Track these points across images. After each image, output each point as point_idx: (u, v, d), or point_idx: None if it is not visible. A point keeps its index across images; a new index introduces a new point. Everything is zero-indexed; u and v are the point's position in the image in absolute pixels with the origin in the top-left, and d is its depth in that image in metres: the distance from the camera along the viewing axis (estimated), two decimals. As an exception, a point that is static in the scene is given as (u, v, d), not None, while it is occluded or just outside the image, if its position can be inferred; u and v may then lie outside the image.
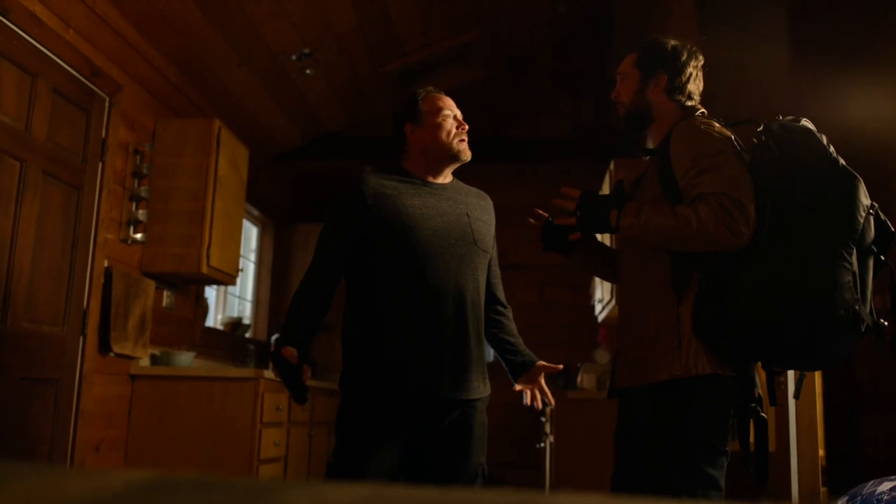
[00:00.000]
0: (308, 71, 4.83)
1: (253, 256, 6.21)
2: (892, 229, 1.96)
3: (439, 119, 2.35)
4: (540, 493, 0.43)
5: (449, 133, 2.35)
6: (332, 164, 6.23)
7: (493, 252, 2.48)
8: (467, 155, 2.38)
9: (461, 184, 2.47)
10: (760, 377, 2.15)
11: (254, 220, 6.14)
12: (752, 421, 2.00)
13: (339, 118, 5.97)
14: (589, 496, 0.43)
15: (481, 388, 2.32)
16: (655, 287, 2.05)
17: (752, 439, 2.03)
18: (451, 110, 2.38)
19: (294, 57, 4.76)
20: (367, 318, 2.28)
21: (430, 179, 2.38)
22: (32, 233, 3.26)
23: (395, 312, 2.25)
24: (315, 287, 2.30)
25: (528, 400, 2.42)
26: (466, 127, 2.39)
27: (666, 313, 2.01)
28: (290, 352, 2.16)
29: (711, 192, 1.88)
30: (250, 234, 6.19)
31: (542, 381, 2.44)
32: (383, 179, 2.33)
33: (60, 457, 3.47)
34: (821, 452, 5.66)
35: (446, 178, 2.42)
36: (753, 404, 1.97)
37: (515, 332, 2.53)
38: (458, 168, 2.44)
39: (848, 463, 5.04)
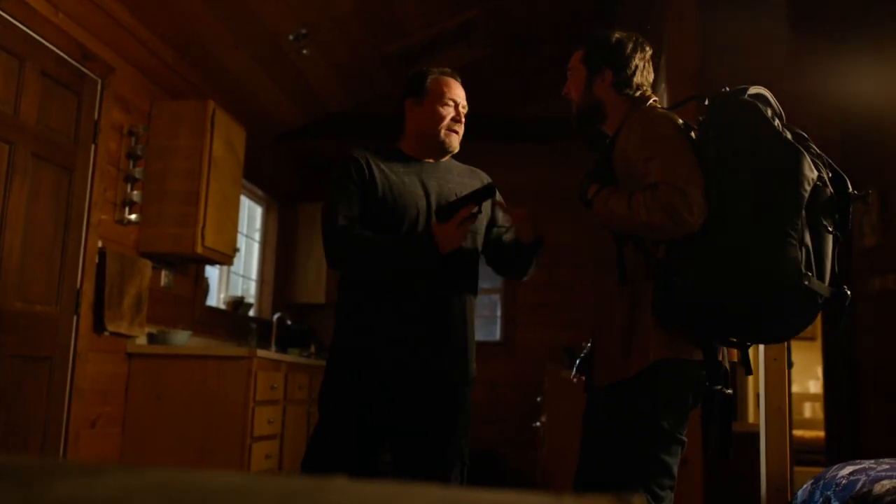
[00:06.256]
0: (305, 51, 4.84)
1: (258, 236, 6.26)
2: (849, 194, 1.91)
3: (440, 104, 2.32)
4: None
5: (442, 121, 2.32)
6: (335, 143, 6.25)
7: (501, 218, 2.46)
8: (453, 148, 2.38)
9: (454, 163, 2.45)
10: (731, 352, 2.15)
11: (258, 200, 6.19)
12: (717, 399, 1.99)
13: (340, 98, 5.98)
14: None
15: (459, 367, 2.30)
16: (614, 281, 2.05)
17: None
18: (454, 99, 2.35)
19: (291, 37, 4.77)
20: (350, 287, 2.33)
21: (422, 159, 2.38)
22: (22, 214, 3.32)
23: (371, 283, 2.28)
24: (351, 231, 2.24)
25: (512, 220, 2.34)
26: (462, 121, 2.37)
27: (625, 305, 2.02)
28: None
29: (657, 181, 1.87)
30: (255, 213, 6.25)
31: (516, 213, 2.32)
32: (377, 156, 2.33)
33: (55, 431, 3.56)
34: (821, 434, 5.62)
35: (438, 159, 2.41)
36: (719, 386, 1.97)
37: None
38: (459, 148, 2.43)
39: (848, 447, 5.01)
